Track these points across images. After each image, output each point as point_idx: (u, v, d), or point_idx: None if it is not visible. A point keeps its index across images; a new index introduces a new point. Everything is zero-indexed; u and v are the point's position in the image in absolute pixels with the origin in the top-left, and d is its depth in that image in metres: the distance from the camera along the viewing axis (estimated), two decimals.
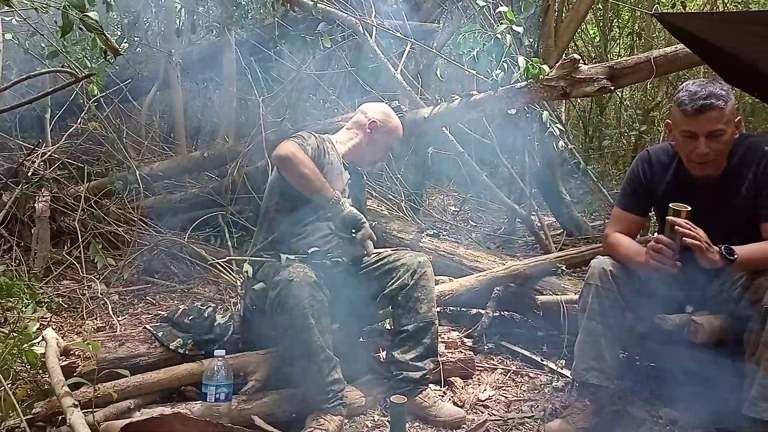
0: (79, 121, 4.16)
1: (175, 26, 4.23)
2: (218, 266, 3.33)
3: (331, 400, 2.05)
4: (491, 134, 4.55)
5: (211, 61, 4.40)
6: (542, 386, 2.54)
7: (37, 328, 2.15)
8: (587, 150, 8.58)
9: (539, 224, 4.51)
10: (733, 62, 2.61)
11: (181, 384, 2.12)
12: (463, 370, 2.58)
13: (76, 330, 2.85)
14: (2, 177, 3.68)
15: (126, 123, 4.45)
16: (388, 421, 2.15)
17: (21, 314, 2.39)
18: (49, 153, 3.78)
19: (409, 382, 2.24)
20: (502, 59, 2.95)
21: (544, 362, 2.71)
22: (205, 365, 2.07)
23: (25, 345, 2.00)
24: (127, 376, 1.97)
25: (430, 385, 2.37)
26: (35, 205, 3.50)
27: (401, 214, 4.23)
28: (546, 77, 2.99)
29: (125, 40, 5.37)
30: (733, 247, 1.88)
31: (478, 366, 2.68)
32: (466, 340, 2.87)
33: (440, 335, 2.66)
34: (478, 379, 2.61)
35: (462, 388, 2.49)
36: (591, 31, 9.74)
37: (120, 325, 2.87)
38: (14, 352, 1.98)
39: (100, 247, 3.40)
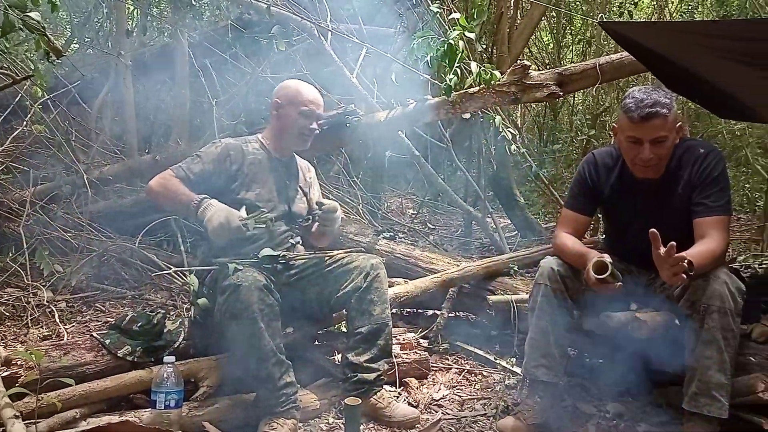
0: (24, 123, 4.02)
1: (126, 27, 4.13)
2: (172, 274, 3.26)
3: (283, 404, 2.04)
4: (447, 138, 4.63)
5: (164, 62, 4.32)
6: (495, 384, 2.59)
7: None
8: (542, 154, 8.79)
9: (494, 226, 4.59)
10: (675, 70, 2.72)
11: (130, 392, 2.08)
12: (419, 371, 2.61)
13: (20, 339, 2.75)
14: None
15: (75, 126, 4.31)
16: (342, 423, 2.15)
17: None
18: None
19: (364, 383, 2.25)
20: (456, 65, 2.99)
21: (497, 361, 2.76)
22: (154, 372, 2.03)
23: None
24: (72, 385, 1.91)
25: (385, 386, 2.38)
26: None
27: (358, 217, 4.24)
28: (498, 83, 3.05)
29: (75, 40, 5.23)
30: (690, 259, 1.87)
31: (433, 366, 2.71)
32: (421, 340, 2.90)
33: (396, 336, 2.69)
34: (433, 379, 2.64)
35: (417, 388, 2.51)
36: (545, 38, 9.98)
37: (67, 333, 2.79)
38: None
39: (46, 253, 3.29)
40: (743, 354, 2.05)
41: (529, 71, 2.99)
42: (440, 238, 5.51)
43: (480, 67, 3.04)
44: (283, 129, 2.42)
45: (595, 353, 2.47)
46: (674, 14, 7.65)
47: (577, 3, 8.33)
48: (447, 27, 3.42)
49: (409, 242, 3.98)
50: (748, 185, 6.21)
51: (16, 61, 3.19)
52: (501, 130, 3.54)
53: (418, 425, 2.22)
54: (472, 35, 2.94)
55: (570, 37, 8.94)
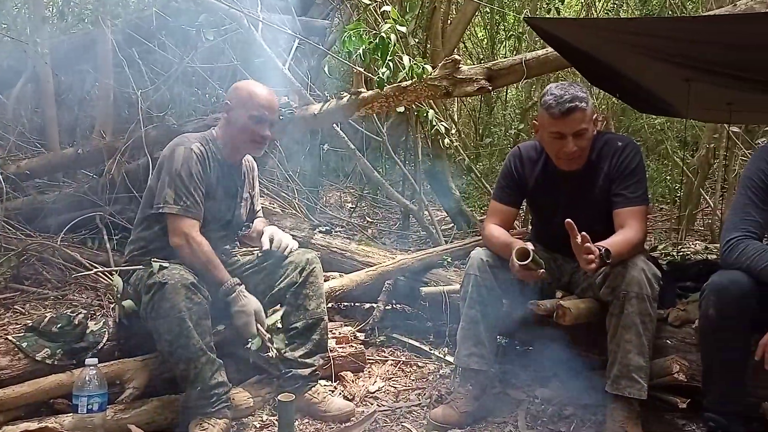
0: None
1: (43, 13, 3.90)
2: (97, 273, 3.13)
3: (214, 404, 1.99)
4: (383, 132, 4.64)
5: (86, 52, 4.12)
6: (430, 374, 2.63)
7: None
8: (477, 147, 8.96)
9: (430, 219, 4.65)
10: (597, 66, 2.84)
11: (50, 397, 1.98)
12: (354, 364, 2.61)
13: None
14: None
15: None
16: (276, 420, 2.13)
17: None
18: None
19: (299, 379, 2.23)
20: (388, 58, 3.00)
21: (432, 351, 2.80)
22: (75, 375, 1.94)
23: None
24: None
25: (320, 380, 2.37)
26: None
27: (294, 212, 4.19)
28: (430, 77, 3.08)
29: None
30: (608, 247, 1.97)
31: (369, 359, 2.72)
32: (358, 334, 2.90)
33: (332, 330, 2.67)
34: (369, 371, 2.65)
35: (352, 381, 2.52)
36: (479, 34, 10.16)
37: None
38: None
39: None
40: (660, 337, 2.15)
41: (460, 66, 3.03)
42: (378, 232, 5.54)
43: (412, 61, 3.06)
44: (233, 134, 2.22)
45: (524, 341, 2.54)
46: (600, 12, 7.94)
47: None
48: (380, 20, 3.43)
49: (345, 236, 3.98)
50: (668, 177, 6.56)
51: None
52: (434, 123, 3.58)
53: (354, 418, 2.22)
54: (403, 29, 2.96)
55: (503, 33, 9.13)
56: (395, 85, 3.18)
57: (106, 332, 2.17)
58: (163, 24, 3.42)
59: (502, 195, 2.36)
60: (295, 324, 2.27)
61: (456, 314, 2.37)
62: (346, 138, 3.84)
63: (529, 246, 1.99)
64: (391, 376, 2.63)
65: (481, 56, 9.29)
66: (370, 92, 3.26)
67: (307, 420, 2.22)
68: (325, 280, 2.68)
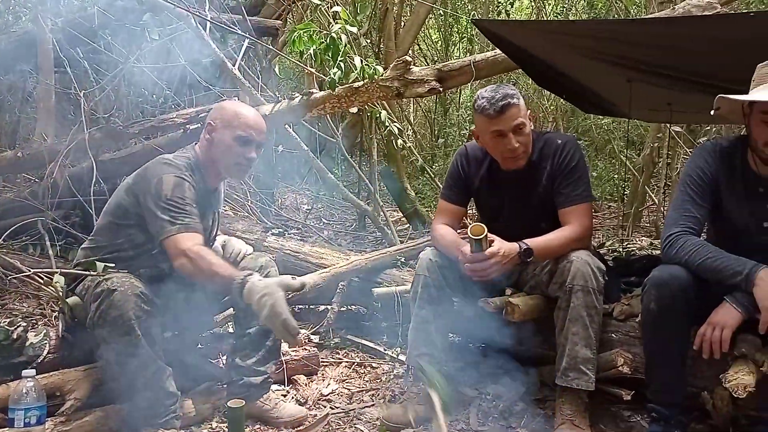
0: None
1: None
2: (38, 278, 3.01)
3: (163, 415, 1.94)
4: (337, 133, 4.63)
5: (27, 51, 3.95)
6: (384, 375, 2.63)
7: None
8: (433, 148, 9.05)
9: (385, 220, 4.66)
10: (543, 67, 2.90)
11: None
12: (307, 367, 2.59)
13: None
14: None
15: None
16: (226, 427, 2.09)
17: None
18: None
19: (250, 387, 2.18)
20: (339, 58, 2.99)
21: (386, 352, 2.81)
22: (11, 388, 1.85)
23: None
24: None
25: (272, 385, 2.34)
26: None
27: (247, 214, 4.13)
28: (381, 78, 3.09)
29: None
30: (529, 245, 2.06)
31: (323, 361, 2.70)
32: (312, 336, 2.89)
33: None
34: (323, 374, 2.63)
35: (306, 385, 2.49)
36: (434, 36, 10.26)
37: None
38: None
39: None
40: (605, 331, 2.20)
41: (411, 67, 3.05)
42: (335, 234, 5.51)
43: (363, 62, 3.06)
44: (216, 156, 2.12)
45: (475, 338, 2.57)
46: (550, 15, 8.14)
47: (463, 2, 8.64)
48: (331, 20, 3.41)
49: (300, 238, 3.94)
50: (616, 176, 6.76)
51: None
52: (387, 124, 3.59)
53: (306, 422, 2.20)
54: (354, 29, 2.96)
55: (457, 35, 9.26)
56: (347, 86, 3.18)
57: (47, 344, 2.08)
58: (107, 23, 3.31)
59: (450, 194, 2.39)
60: (247, 330, 2.21)
61: (409, 314, 2.38)
62: (299, 139, 3.81)
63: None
64: (345, 378, 2.62)
65: (435, 58, 9.38)
66: (322, 93, 3.24)
67: (258, 426, 2.18)
68: None
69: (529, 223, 2.13)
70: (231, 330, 2.51)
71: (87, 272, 2.01)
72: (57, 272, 2.04)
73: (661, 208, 5.18)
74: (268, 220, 4.26)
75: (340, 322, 3.04)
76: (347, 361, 2.77)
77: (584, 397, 2.06)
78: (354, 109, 3.58)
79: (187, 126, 3.17)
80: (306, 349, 2.64)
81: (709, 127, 5.70)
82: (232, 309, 2.31)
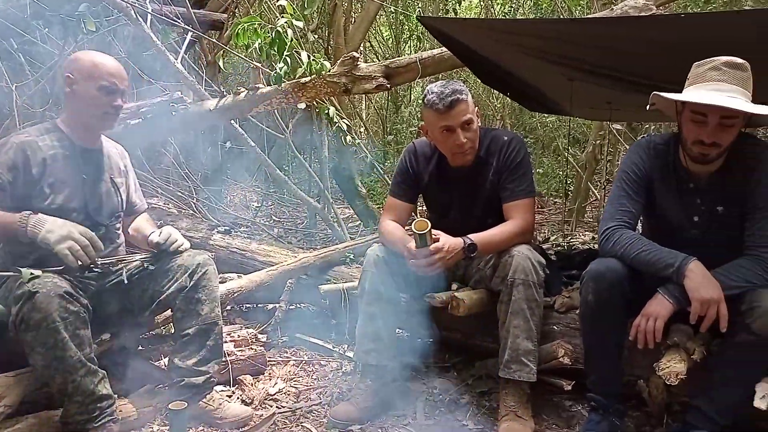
0: None
1: None
2: None
3: (98, 418, 1.87)
4: (287, 129, 4.57)
5: None
6: (332, 373, 2.62)
7: None
8: (386, 145, 9.07)
9: (335, 216, 4.64)
10: (488, 65, 2.94)
11: None
12: (254, 367, 2.55)
13: None
14: None
15: None
16: (168, 430, 2.03)
17: None
18: None
19: (192, 388, 2.13)
20: (285, 53, 2.95)
21: (335, 349, 2.79)
22: None
23: None
24: None
25: (217, 386, 2.29)
26: None
27: (192, 212, 4.03)
28: (329, 73, 3.07)
29: None
30: (473, 240, 2.10)
31: (270, 360, 2.66)
32: (260, 336, 2.84)
33: (231, 334, 2.60)
34: (270, 373, 2.59)
35: (252, 384, 2.45)
36: (385, 33, 10.28)
37: None
38: None
39: None
40: (547, 323, 2.26)
41: (358, 63, 3.04)
42: (285, 231, 5.45)
43: (311, 57, 3.03)
44: (80, 109, 2.06)
45: (422, 333, 2.59)
46: (498, 15, 8.27)
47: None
48: (278, 15, 3.37)
49: (247, 236, 3.88)
50: (561, 173, 6.94)
51: None
52: (336, 120, 3.57)
53: (252, 422, 2.16)
54: (300, 24, 2.92)
55: (408, 32, 9.30)
56: (294, 81, 3.14)
57: None
58: (40, 13, 3.16)
59: (398, 191, 2.40)
60: (187, 330, 2.15)
61: (357, 311, 2.37)
62: (246, 135, 3.74)
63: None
64: (293, 376, 2.60)
65: (387, 55, 9.39)
66: (268, 88, 3.20)
67: (201, 428, 2.13)
68: (221, 282, 2.61)
69: (476, 218, 2.15)
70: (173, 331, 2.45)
71: (6, 272, 1.91)
72: None
73: (603, 204, 5.35)
74: (215, 218, 4.17)
75: (288, 321, 3.00)
76: (295, 360, 2.74)
77: (526, 388, 2.10)
78: (302, 105, 3.54)
79: (128, 121, 3.07)
80: (252, 349, 2.60)
81: (648, 125, 5.92)
82: (171, 311, 2.24)
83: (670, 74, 2.06)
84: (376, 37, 9.74)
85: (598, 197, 5.75)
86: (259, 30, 2.92)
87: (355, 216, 5.76)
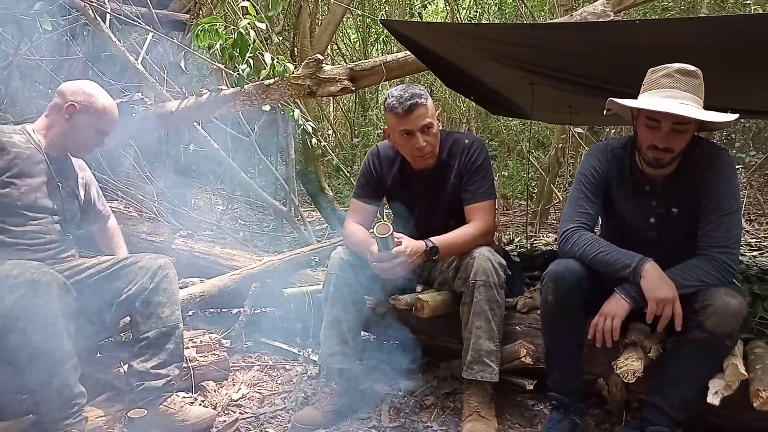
0: None
1: None
2: None
3: (75, 415, 1.86)
4: (252, 132, 4.52)
5: None
6: (297, 377, 2.60)
7: None
8: (353, 147, 9.05)
9: (301, 220, 4.61)
10: (451, 69, 2.97)
11: None
12: (217, 372, 2.51)
13: None
14: None
15: None
16: None
17: None
18: None
19: (152, 391, 2.09)
20: (248, 55, 2.92)
21: (300, 353, 2.77)
22: None
23: None
24: None
25: (179, 393, 2.25)
26: None
27: (154, 215, 3.96)
28: (293, 76, 3.05)
29: None
30: (435, 243, 2.12)
31: (233, 366, 2.63)
32: (224, 341, 2.80)
33: (194, 339, 2.55)
34: (233, 379, 2.56)
35: (215, 390, 2.42)
36: (353, 36, 10.28)
37: None
38: None
39: None
40: (509, 324, 2.28)
41: (323, 65, 3.03)
42: (251, 234, 5.39)
43: (274, 59, 3.01)
44: (68, 135, 2.18)
45: (387, 335, 2.59)
46: (464, 19, 8.36)
47: (380, 2, 8.70)
48: (241, 16, 3.34)
49: (211, 240, 3.82)
50: (525, 175, 7.04)
51: None
52: (301, 123, 3.55)
53: (216, 427, 2.13)
54: (263, 25, 2.90)
55: (375, 35, 9.32)
56: (257, 83, 3.11)
57: None
58: None
59: (362, 193, 2.40)
60: (146, 333, 2.12)
61: (321, 314, 2.36)
62: (209, 137, 3.69)
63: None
64: (257, 381, 2.57)
65: (354, 57, 9.40)
66: (231, 90, 3.17)
67: None
68: (182, 287, 2.56)
69: (439, 220, 2.16)
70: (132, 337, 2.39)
71: None
72: None
73: None
74: (179, 221, 4.10)
75: (253, 325, 2.97)
76: (259, 365, 2.71)
77: (489, 388, 2.12)
78: (266, 107, 3.51)
79: None
80: (215, 354, 2.56)
81: (609, 129, 6.05)
82: (129, 315, 2.20)
83: (628, 79, 2.11)
84: (343, 40, 9.74)
85: (561, 199, 5.85)
86: (220, 31, 2.88)
87: (322, 219, 5.73)
